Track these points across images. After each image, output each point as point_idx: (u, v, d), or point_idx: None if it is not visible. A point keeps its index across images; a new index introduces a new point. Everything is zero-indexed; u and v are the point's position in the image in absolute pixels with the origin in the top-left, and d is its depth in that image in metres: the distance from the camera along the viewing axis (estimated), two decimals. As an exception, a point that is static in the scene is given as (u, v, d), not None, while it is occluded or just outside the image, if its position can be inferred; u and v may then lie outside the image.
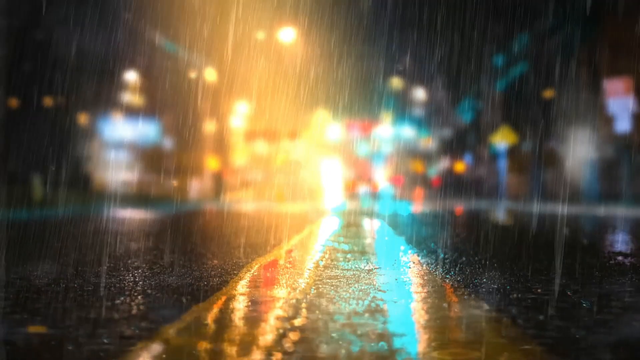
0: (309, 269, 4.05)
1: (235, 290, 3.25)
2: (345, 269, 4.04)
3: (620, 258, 5.07)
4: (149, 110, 25.57)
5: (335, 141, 37.15)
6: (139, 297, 3.06)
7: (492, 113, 31.07)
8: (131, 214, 12.89)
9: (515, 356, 2.06)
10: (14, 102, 18.24)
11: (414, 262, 4.46)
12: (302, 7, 24.69)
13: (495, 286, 3.44)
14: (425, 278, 3.75)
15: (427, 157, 36.82)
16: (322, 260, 4.52)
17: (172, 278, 3.67)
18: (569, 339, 2.31)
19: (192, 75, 26.64)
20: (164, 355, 2.04)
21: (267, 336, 2.25)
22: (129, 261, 4.46)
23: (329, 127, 37.05)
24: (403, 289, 3.31)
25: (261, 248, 5.47)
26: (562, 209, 17.22)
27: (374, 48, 29.06)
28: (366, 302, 2.90)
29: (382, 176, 36.66)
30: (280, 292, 3.16)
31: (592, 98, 22.37)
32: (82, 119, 22.60)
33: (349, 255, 4.87)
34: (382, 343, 2.17)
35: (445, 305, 2.91)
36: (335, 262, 4.42)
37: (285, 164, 34.25)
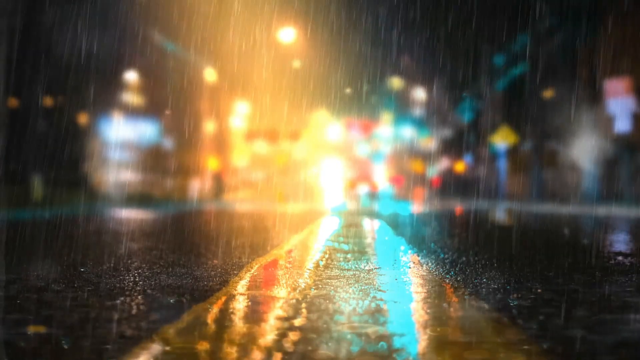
0: (309, 269, 4.05)
1: (235, 290, 3.25)
2: (345, 269, 4.04)
3: (620, 258, 5.07)
4: (149, 110, 25.58)
5: (335, 141, 37.16)
6: (139, 297, 3.06)
7: (492, 113, 31.06)
8: (131, 214, 12.89)
9: (515, 356, 2.06)
10: (14, 102, 18.24)
11: (414, 262, 4.46)
12: (302, 7, 24.70)
13: (495, 286, 3.44)
14: (425, 278, 3.75)
15: (427, 157, 36.81)
16: (322, 260, 4.52)
17: (172, 278, 3.67)
18: (569, 339, 2.31)
19: (192, 75, 26.65)
20: (164, 355, 2.04)
21: (267, 336, 2.25)
22: (129, 261, 4.46)
23: (329, 127, 37.06)
24: (403, 289, 3.31)
25: (261, 248, 5.47)
26: (561, 209, 17.21)
27: (374, 48, 29.05)
28: (366, 302, 2.90)
29: (382, 176, 36.66)
30: (280, 292, 3.16)
31: (592, 98, 22.37)
32: (82, 119, 22.60)
33: (349, 255, 4.87)
34: (382, 343, 2.17)
35: (445, 305, 2.91)
36: (335, 262, 4.42)
37: (285, 164, 34.27)
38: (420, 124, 36.94)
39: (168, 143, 28.11)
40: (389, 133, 37.44)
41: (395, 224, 10.06)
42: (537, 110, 25.11)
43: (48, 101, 19.69)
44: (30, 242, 6.17)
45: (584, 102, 22.49)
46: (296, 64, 28.65)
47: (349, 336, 2.25)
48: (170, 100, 24.61)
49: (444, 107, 35.68)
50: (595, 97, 22.37)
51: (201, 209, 17.93)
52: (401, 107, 36.57)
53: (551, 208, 18.46)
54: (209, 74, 29.42)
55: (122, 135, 24.75)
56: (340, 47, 25.58)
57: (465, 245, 6.10)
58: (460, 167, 35.04)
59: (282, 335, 2.26)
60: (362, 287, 3.32)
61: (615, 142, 22.07)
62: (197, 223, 10.64)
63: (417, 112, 37.13)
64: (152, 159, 25.56)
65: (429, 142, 36.98)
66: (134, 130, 25.45)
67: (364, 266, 4.20)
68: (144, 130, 25.89)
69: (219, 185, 30.76)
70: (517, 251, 5.71)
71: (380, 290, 3.24)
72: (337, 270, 3.98)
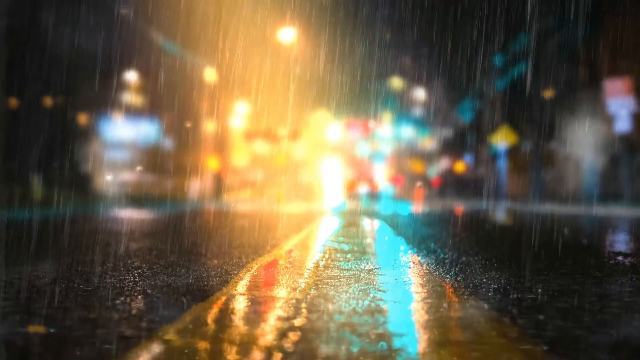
0: (309, 269, 4.05)
1: (235, 290, 3.25)
2: (345, 269, 4.04)
3: (620, 258, 5.07)
4: (149, 110, 25.58)
5: (335, 141, 37.18)
6: (139, 297, 3.05)
7: (492, 113, 31.06)
8: (131, 214, 12.89)
9: (515, 356, 2.06)
10: (13, 102, 18.24)
11: (413, 262, 4.46)
12: (302, 7, 24.70)
13: (495, 286, 3.44)
14: (425, 278, 3.75)
15: (427, 157, 36.81)
16: (322, 260, 4.52)
17: (172, 278, 3.67)
18: (569, 339, 2.31)
19: (192, 75, 26.65)
20: (164, 355, 2.04)
21: (267, 336, 2.25)
22: (129, 261, 4.46)
23: (329, 127, 37.07)
24: (403, 289, 3.31)
25: (261, 248, 5.47)
26: (561, 209, 17.21)
27: (374, 48, 29.05)
28: (366, 302, 2.90)
29: (382, 176, 36.68)
30: (280, 292, 3.16)
31: (592, 98, 22.37)
32: (82, 119, 22.59)
33: (349, 255, 4.87)
34: (382, 343, 2.17)
35: (445, 305, 2.91)
36: (335, 262, 4.41)
37: (285, 164, 34.27)
38: (420, 124, 36.95)
39: (168, 143, 28.11)
40: (389, 133, 37.45)
41: (395, 224, 10.06)
42: (537, 110, 25.11)
43: (48, 101, 19.70)
44: (30, 242, 6.16)
45: (584, 102, 22.49)
46: (296, 63, 28.66)
47: (348, 336, 2.25)
48: (170, 100, 24.61)
49: (444, 107, 35.68)
50: (595, 97, 22.37)
51: (201, 208, 17.93)
52: (401, 107, 36.58)
53: (551, 208, 18.46)
54: (209, 74, 29.41)
55: (122, 135, 24.75)
56: (341, 47, 25.58)
57: (465, 245, 6.10)
58: (460, 167, 35.04)
59: (282, 335, 2.26)
60: (362, 287, 3.32)
61: (615, 142, 22.08)
62: (197, 223, 10.64)
63: (417, 112, 37.14)
64: (152, 159, 25.56)
65: (429, 142, 36.99)
66: (134, 130, 25.45)
67: (364, 266, 4.20)
68: (144, 130, 25.90)
69: (218, 185, 30.75)
70: (517, 251, 5.71)
71: (380, 290, 3.24)
72: (337, 270, 3.98)
